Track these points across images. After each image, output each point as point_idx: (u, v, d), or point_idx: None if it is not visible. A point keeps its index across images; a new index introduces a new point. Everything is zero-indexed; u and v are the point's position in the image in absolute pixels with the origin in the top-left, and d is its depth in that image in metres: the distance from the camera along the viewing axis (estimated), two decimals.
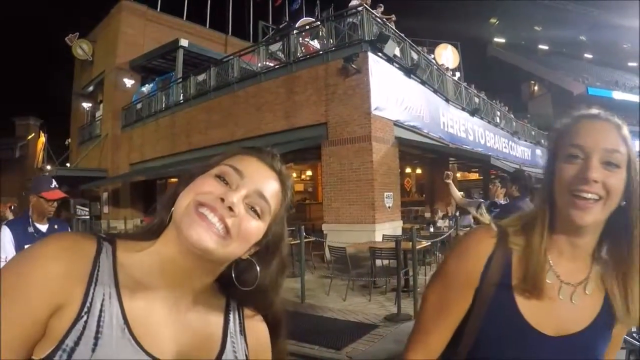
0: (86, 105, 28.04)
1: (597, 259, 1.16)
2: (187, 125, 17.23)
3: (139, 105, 21.44)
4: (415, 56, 14.74)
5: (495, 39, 51.83)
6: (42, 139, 27.63)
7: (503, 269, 1.13)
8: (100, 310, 0.79)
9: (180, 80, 19.14)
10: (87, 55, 26.60)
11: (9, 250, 3.48)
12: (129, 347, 0.80)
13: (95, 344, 0.76)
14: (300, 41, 14.78)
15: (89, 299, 0.79)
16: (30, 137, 27.69)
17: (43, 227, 3.77)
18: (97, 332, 0.78)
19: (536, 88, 50.38)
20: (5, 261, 3.22)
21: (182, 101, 18.20)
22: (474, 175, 26.27)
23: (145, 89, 22.79)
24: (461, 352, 1.19)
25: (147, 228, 0.94)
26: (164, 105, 19.37)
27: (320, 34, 14.46)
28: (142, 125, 20.83)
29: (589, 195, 1.04)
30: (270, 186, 0.93)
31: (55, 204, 3.78)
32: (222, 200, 0.85)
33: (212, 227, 0.83)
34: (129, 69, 23.86)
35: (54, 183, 3.81)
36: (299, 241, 8.54)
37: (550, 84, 47.14)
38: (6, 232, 3.56)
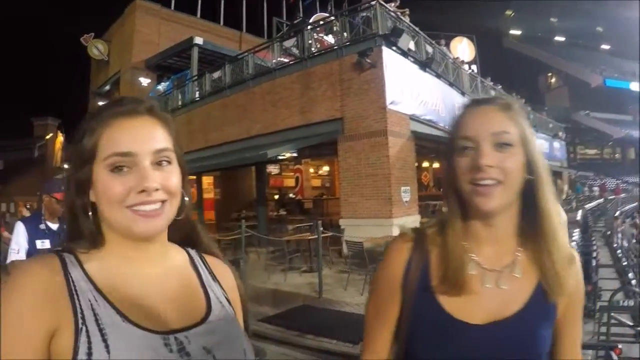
0: (103, 104, 28.28)
1: (523, 238, 1.16)
2: (203, 123, 17.30)
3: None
4: (430, 50, 14.61)
5: (511, 31, 51.32)
6: (60, 138, 27.92)
7: (422, 271, 1.15)
8: (95, 315, 0.82)
9: (196, 77, 19.23)
10: (102, 55, 26.89)
11: (22, 244, 3.85)
12: (136, 333, 0.84)
13: (107, 346, 0.79)
14: (315, 36, 14.75)
15: (79, 310, 0.82)
16: (48, 137, 27.99)
17: (54, 226, 4.05)
18: (102, 334, 0.80)
19: (553, 80, 49.89)
20: (18, 253, 3.75)
21: (197, 98, 18.28)
22: None
23: (161, 87, 23.00)
24: (398, 354, 1.21)
25: (80, 242, 0.95)
26: (180, 103, 19.49)
27: (334, 29, 14.42)
28: None
29: (487, 182, 1.05)
30: (156, 133, 0.95)
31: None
32: (142, 191, 0.89)
33: (152, 213, 0.91)
34: (145, 68, 24.11)
35: None
36: (316, 236, 8.56)
37: (568, 76, 46.63)
38: (20, 227, 3.93)
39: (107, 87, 27.69)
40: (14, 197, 25.65)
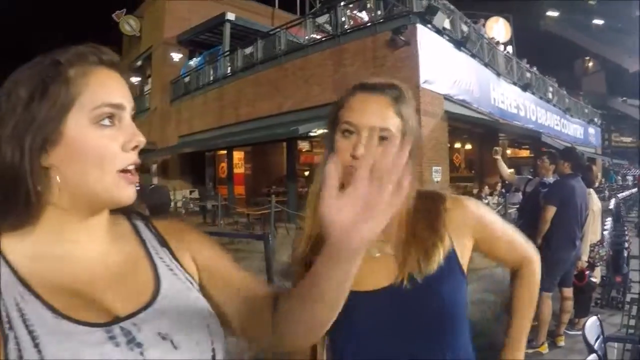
0: (135, 79, 28.60)
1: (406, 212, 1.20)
2: (234, 98, 17.38)
3: (187, 79, 21.76)
4: (465, 29, 14.36)
5: (549, 13, 49.93)
6: None
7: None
8: (22, 315, 0.69)
9: (228, 53, 19.27)
10: (134, 31, 27.00)
11: None
12: (73, 330, 0.70)
13: (39, 351, 0.66)
14: (348, 13, 14.59)
15: (4, 313, 0.68)
16: None
17: None
18: (33, 337, 0.67)
19: (590, 64, 48.63)
20: None
21: (229, 74, 18.34)
22: (525, 153, 25.62)
23: (193, 62, 23.08)
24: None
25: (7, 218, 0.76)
26: (211, 79, 19.62)
27: (368, 5, 14.24)
28: (190, 99, 21.14)
29: None
30: (128, 89, 0.84)
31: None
32: (134, 147, 0.79)
33: (135, 178, 0.80)
34: (176, 44, 24.18)
35: None
36: None
37: (605, 61, 45.39)
38: None
39: (139, 63, 27.89)
40: None
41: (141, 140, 0.80)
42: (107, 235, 0.85)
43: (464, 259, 1.21)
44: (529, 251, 1.32)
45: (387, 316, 1.10)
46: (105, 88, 0.78)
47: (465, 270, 1.22)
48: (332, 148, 1.16)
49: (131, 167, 0.79)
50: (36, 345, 0.66)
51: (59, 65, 0.76)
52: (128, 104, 0.80)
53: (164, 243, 0.92)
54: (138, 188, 0.82)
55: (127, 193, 0.79)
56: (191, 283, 0.89)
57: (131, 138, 0.78)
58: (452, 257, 1.17)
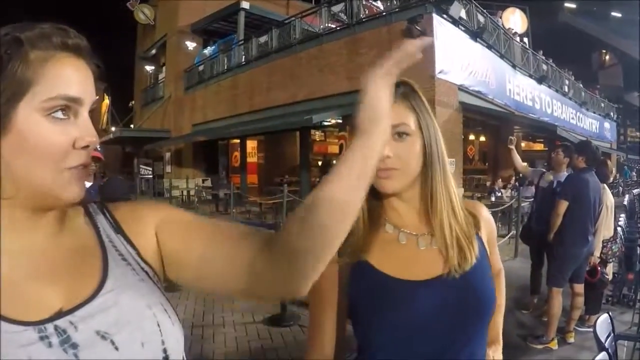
0: (149, 68, 28.76)
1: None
2: (248, 87, 17.38)
3: (201, 68, 21.78)
4: (481, 19, 14.19)
5: (566, 4, 49.14)
6: (107, 101, 28.55)
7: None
8: None
9: (242, 42, 19.24)
10: (149, 20, 27.12)
11: None
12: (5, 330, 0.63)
13: None
14: (363, 2, 14.50)
15: None
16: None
17: (87, 184, 4.36)
18: None
19: (607, 58, 47.88)
20: None
21: (243, 63, 18.33)
22: (539, 146, 25.43)
23: (207, 51, 23.09)
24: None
25: None
26: (225, 67, 19.62)
27: None
28: (204, 87, 21.18)
29: (387, 167, 1.13)
30: (91, 79, 0.75)
31: (93, 164, 4.15)
32: (85, 147, 0.72)
33: (84, 172, 0.74)
34: (191, 32, 24.19)
35: (98, 146, 4.38)
36: None
37: (623, 54, 44.68)
38: None
39: (153, 51, 27.95)
40: None
41: (93, 140, 0.72)
42: (55, 224, 0.77)
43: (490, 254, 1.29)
44: (501, 264, 1.44)
45: (429, 307, 1.11)
46: (64, 78, 0.70)
47: None
48: None
49: (86, 169, 0.74)
50: None
51: (21, 44, 0.67)
52: (88, 97, 0.73)
53: (118, 229, 0.84)
54: (90, 184, 0.76)
55: (74, 192, 0.72)
56: (147, 273, 0.81)
57: (84, 136, 0.71)
58: (484, 256, 1.21)
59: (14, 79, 0.66)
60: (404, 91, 1.18)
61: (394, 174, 1.14)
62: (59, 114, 0.69)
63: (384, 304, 1.13)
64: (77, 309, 0.70)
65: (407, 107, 1.17)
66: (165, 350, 0.73)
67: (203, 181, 20.46)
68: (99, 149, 4.17)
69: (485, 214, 1.31)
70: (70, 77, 0.70)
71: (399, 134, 1.14)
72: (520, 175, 11.64)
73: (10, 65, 0.66)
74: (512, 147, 6.02)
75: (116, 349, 0.68)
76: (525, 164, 6.25)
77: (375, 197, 1.21)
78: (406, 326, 1.11)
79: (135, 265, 0.80)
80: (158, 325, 0.74)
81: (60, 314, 0.68)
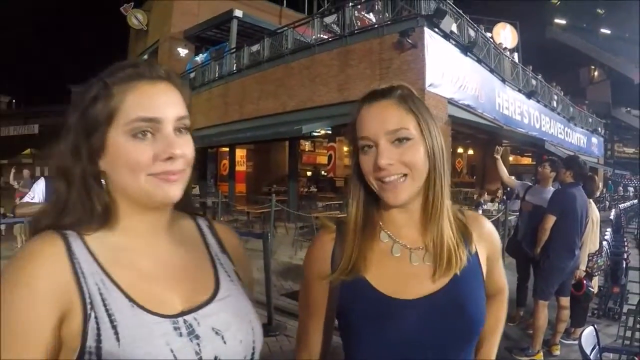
0: None
1: None
2: (239, 95, 17.39)
3: (192, 75, 21.74)
4: (472, 33, 14.36)
5: (556, 20, 49.88)
6: None
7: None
8: (103, 300, 0.80)
9: (234, 50, 19.26)
10: (141, 25, 27.14)
11: (38, 194, 4.08)
12: (145, 319, 0.82)
13: (117, 333, 0.78)
14: (356, 14, 14.59)
15: (87, 295, 0.80)
16: None
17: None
18: (111, 321, 0.79)
19: (596, 74, 48.51)
20: (32, 199, 3.99)
21: (235, 71, 18.33)
22: (527, 160, 25.63)
23: (199, 58, 23.10)
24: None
25: (81, 217, 0.88)
26: (217, 75, 19.60)
27: (376, 7, 14.24)
28: (195, 94, 21.09)
29: (393, 178, 1.09)
30: (177, 99, 0.92)
31: None
32: (168, 158, 0.87)
33: (173, 178, 0.89)
34: (183, 39, 24.26)
35: None
36: (345, 215, 8.54)
37: (611, 70, 45.33)
38: (42, 183, 4.17)
39: (145, 57, 27.89)
40: (49, 161, 26.31)
41: (175, 152, 0.87)
42: (173, 236, 0.98)
43: (486, 271, 1.22)
44: (505, 281, 1.37)
45: (424, 324, 1.10)
46: (142, 104, 0.87)
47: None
48: (358, 165, 1.16)
49: (173, 176, 0.89)
50: (114, 327, 0.78)
51: (105, 85, 0.87)
52: (169, 115, 0.88)
53: (224, 250, 1.06)
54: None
55: (164, 193, 0.88)
56: (242, 289, 1.02)
57: (164, 149, 0.86)
58: (476, 273, 1.18)
59: (102, 112, 0.86)
60: (401, 94, 1.13)
61: (401, 183, 1.09)
62: (140, 135, 0.86)
63: (375, 322, 1.11)
64: (198, 308, 0.90)
65: (405, 110, 1.12)
66: (253, 348, 0.95)
67: (192, 187, 20.36)
68: None
69: (486, 229, 1.25)
70: (146, 101, 0.87)
71: (400, 139, 1.09)
72: (508, 188, 11.72)
73: (100, 100, 0.86)
74: (498, 157, 6.04)
75: (224, 343, 0.89)
76: (513, 177, 6.28)
77: (373, 205, 1.20)
78: (393, 345, 1.10)
79: (236, 280, 1.02)
80: (252, 329, 0.95)
81: (186, 312, 0.87)
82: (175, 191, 0.89)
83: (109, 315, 0.79)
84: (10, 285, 0.77)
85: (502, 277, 1.34)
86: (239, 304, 0.97)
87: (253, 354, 0.94)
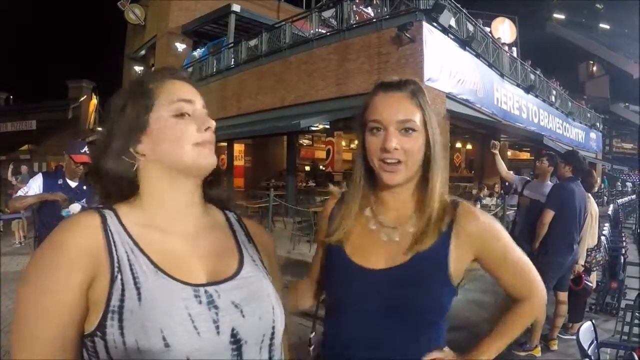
0: (138, 68, 28.59)
1: (420, 201, 1.33)
2: (237, 90, 17.34)
3: (190, 69, 21.66)
4: (471, 28, 14.29)
5: (555, 15, 49.79)
6: (94, 101, 28.34)
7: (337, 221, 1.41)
8: (130, 264, 0.90)
9: (232, 45, 19.18)
10: (139, 20, 27.03)
11: (33, 188, 4.23)
12: (167, 284, 0.91)
13: (139, 293, 0.86)
14: (354, 8, 14.53)
15: (116, 260, 0.89)
16: (82, 98, 28.35)
17: (72, 184, 4.42)
18: (135, 282, 0.88)
19: (595, 69, 48.50)
20: (25, 194, 4.12)
21: (232, 66, 18.27)
22: (525, 155, 25.62)
23: (197, 53, 23.01)
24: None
25: (117, 191, 1.04)
26: (214, 70, 19.52)
27: (374, 1, 14.18)
28: None
29: (392, 160, 1.25)
30: (192, 89, 1.10)
31: (82, 166, 4.36)
32: (206, 129, 1.03)
33: (209, 149, 1.04)
34: (181, 34, 24.13)
35: (85, 148, 4.40)
36: None
37: (610, 65, 45.31)
38: (39, 178, 4.34)
39: (143, 52, 27.87)
40: (47, 157, 26.31)
41: (212, 122, 1.05)
42: (203, 219, 1.09)
43: (455, 266, 1.27)
44: (535, 289, 1.36)
45: (382, 291, 1.24)
46: (177, 90, 1.05)
47: (456, 281, 1.28)
48: (364, 147, 1.31)
49: (208, 145, 1.03)
50: (137, 289, 0.87)
51: (142, 82, 1.06)
52: (198, 100, 1.07)
53: (250, 239, 1.16)
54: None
55: (206, 160, 1.02)
56: (266, 275, 1.09)
57: (203, 122, 1.03)
58: (442, 260, 1.26)
59: (141, 101, 1.02)
60: (413, 89, 1.28)
61: (399, 167, 1.25)
62: (185, 116, 1.02)
63: (341, 284, 1.32)
64: (221, 282, 0.98)
65: (415, 104, 1.27)
66: (273, 328, 1.01)
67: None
68: (87, 150, 4.39)
69: (474, 226, 1.29)
70: (180, 88, 1.06)
71: (407, 129, 1.25)
72: (506, 183, 11.71)
73: (138, 96, 1.03)
74: (496, 151, 6.01)
75: (243, 316, 0.96)
76: (511, 172, 6.26)
77: (369, 182, 1.36)
78: (354, 311, 1.27)
79: (260, 266, 1.10)
80: (272, 308, 1.01)
81: (209, 284, 0.96)
82: (214, 157, 1.04)
83: (134, 278, 0.88)
84: (46, 249, 0.88)
85: (522, 279, 1.36)
86: (260, 284, 1.04)
87: (273, 334, 1.00)
